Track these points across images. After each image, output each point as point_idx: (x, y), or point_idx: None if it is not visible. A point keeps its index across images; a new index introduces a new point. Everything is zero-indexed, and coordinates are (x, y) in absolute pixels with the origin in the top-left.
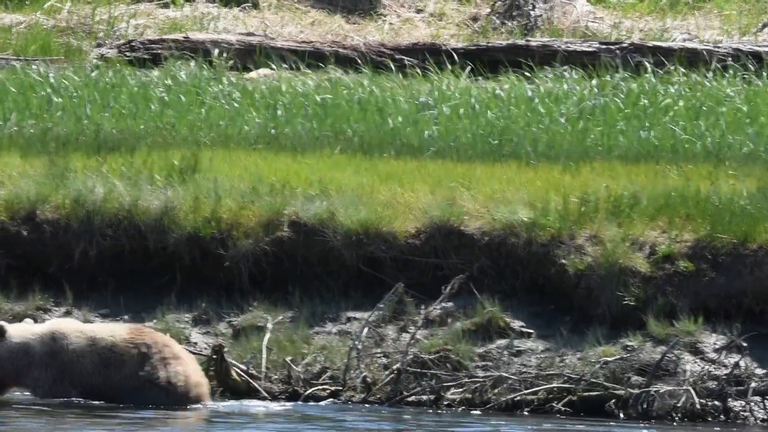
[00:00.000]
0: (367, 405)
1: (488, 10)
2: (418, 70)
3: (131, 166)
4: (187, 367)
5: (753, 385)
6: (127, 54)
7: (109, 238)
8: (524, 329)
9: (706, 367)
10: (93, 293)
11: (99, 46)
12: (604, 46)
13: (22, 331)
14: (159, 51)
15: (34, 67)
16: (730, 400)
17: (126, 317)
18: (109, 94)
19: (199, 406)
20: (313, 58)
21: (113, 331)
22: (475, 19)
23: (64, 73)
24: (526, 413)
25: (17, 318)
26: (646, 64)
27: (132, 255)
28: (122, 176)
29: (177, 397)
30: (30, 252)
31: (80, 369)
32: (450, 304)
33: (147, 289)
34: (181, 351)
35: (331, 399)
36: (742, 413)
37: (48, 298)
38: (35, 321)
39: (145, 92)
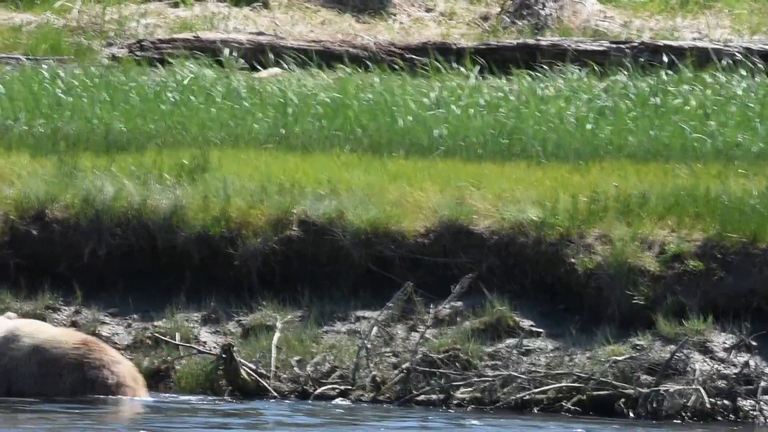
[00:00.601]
0: (376, 404)
1: (498, 9)
2: (428, 70)
3: (141, 166)
4: (134, 386)
5: (762, 384)
6: (138, 53)
7: (119, 238)
8: (533, 328)
9: (716, 366)
10: (102, 292)
11: (109, 45)
12: (614, 46)
13: None
14: (169, 50)
15: (44, 66)
16: (739, 399)
17: (135, 316)
18: (119, 93)
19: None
20: (323, 57)
21: (60, 342)
22: (485, 18)
23: (74, 72)
24: (535, 412)
25: (27, 317)
26: (656, 63)
27: (141, 254)
28: (132, 175)
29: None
30: (39, 251)
31: (17, 375)
32: (459, 303)
33: (156, 288)
34: (126, 368)
35: (341, 398)
36: (751, 412)
37: (57, 298)
38: (44, 320)
39: (154, 92)
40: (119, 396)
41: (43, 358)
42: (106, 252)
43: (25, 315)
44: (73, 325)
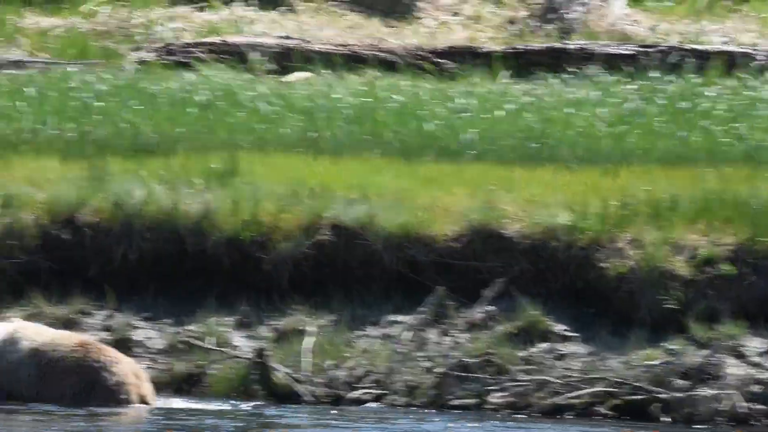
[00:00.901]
0: (409, 409)
1: (525, 12)
2: (456, 74)
3: (170, 170)
4: (137, 383)
5: None
6: (165, 57)
7: (149, 242)
8: (566, 333)
9: (750, 370)
10: (134, 296)
11: (137, 49)
12: (641, 49)
13: None
14: (196, 54)
15: (72, 70)
16: None
17: (167, 320)
18: (147, 97)
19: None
20: (350, 61)
21: (59, 345)
22: (512, 21)
23: (101, 76)
24: (569, 417)
25: (60, 321)
26: (684, 67)
27: (172, 258)
28: (161, 180)
29: (120, 402)
30: (70, 255)
31: (16, 378)
32: (492, 307)
33: (187, 292)
34: (127, 366)
35: (374, 402)
36: None
37: (89, 302)
38: (78, 325)
39: (182, 96)
40: (121, 395)
41: (42, 361)
42: (138, 256)
43: (58, 319)
44: (107, 329)
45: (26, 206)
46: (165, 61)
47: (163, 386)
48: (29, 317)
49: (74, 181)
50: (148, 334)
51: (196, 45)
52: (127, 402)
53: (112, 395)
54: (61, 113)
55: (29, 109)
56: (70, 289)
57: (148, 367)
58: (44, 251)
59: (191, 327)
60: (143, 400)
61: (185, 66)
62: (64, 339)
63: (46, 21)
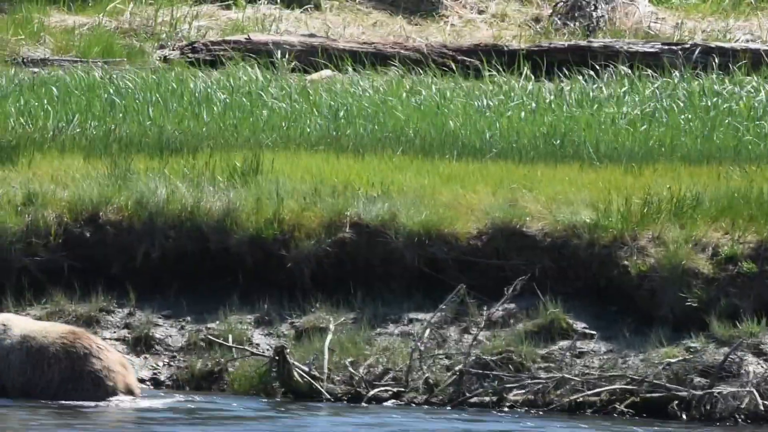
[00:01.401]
0: (429, 406)
1: (550, 11)
2: (480, 71)
3: (193, 168)
4: (123, 372)
5: None
6: (190, 55)
7: (172, 240)
8: (587, 330)
9: None
10: (156, 294)
11: (161, 47)
12: (666, 47)
13: None
14: (221, 52)
15: (96, 68)
16: None
17: (188, 318)
18: (171, 95)
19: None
20: (374, 59)
21: (48, 331)
22: (537, 20)
23: (126, 74)
24: (588, 414)
25: (81, 319)
26: (709, 64)
27: (194, 256)
28: (184, 178)
29: (107, 389)
30: (93, 253)
31: (7, 364)
32: (512, 305)
33: (209, 290)
34: (115, 355)
35: (394, 400)
36: None
37: (111, 300)
38: (98, 323)
39: (206, 94)
40: (108, 382)
41: (32, 347)
42: (160, 254)
43: (79, 317)
44: (127, 327)
45: (49, 204)
46: (190, 59)
47: (183, 384)
48: (50, 315)
49: (98, 180)
50: (169, 332)
51: (221, 43)
52: (113, 390)
53: (100, 382)
54: (86, 111)
55: (54, 107)
56: (91, 287)
57: (169, 365)
58: (66, 249)
59: (212, 325)
60: (129, 390)
61: (210, 64)
62: (55, 327)
63: (71, 19)
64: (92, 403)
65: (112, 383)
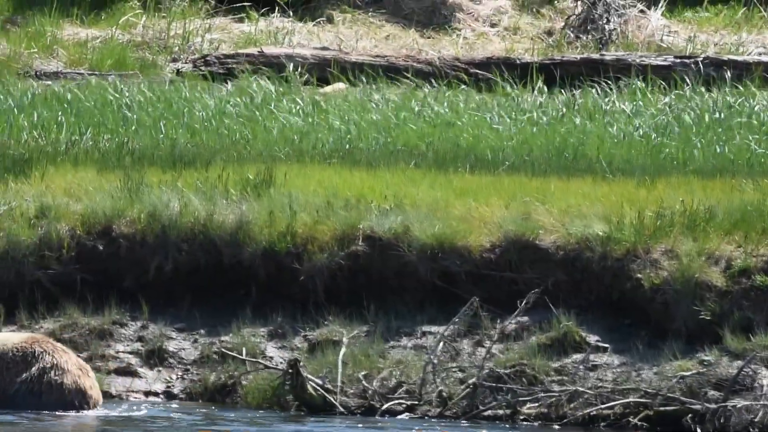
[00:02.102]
0: (443, 419)
1: (562, 24)
2: (493, 84)
3: (206, 181)
4: (78, 374)
5: None
6: (202, 68)
7: (185, 253)
8: (600, 343)
9: None
10: (169, 307)
11: (174, 60)
12: (678, 60)
13: None
14: (234, 65)
15: (109, 81)
16: None
17: (202, 331)
18: (184, 108)
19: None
20: (387, 72)
21: (8, 338)
22: (549, 33)
23: (139, 87)
24: (602, 428)
25: (94, 332)
26: (722, 77)
27: (207, 269)
28: (197, 191)
29: (66, 401)
30: (106, 266)
31: None
32: (525, 318)
33: (222, 303)
34: (73, 358)
35: (407, 413)
36: None
37: (124, 313)
38: (111, 336)
39: (219, 107)
40: (66, 383)
41: None
42: (173, 267)
43: (92, 330)
44: (140, 340)
45: (62, 217)
46: (202, 72)
47: (196, 396)
48: (63, 328)
49: (111, 193)
50: (181, 345)
51: (234, 56)
52: (76, 391)
53: (60, 383)
54: (99, 124)
55: (67, 120)
56: (104, 300)
57: (182, 378)
58: (79, 262)
59: (225, 338)
60: (86, 394)
61: (223, 77)
62: (14, 335)
63: (84, 32)
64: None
65: (71, 386)
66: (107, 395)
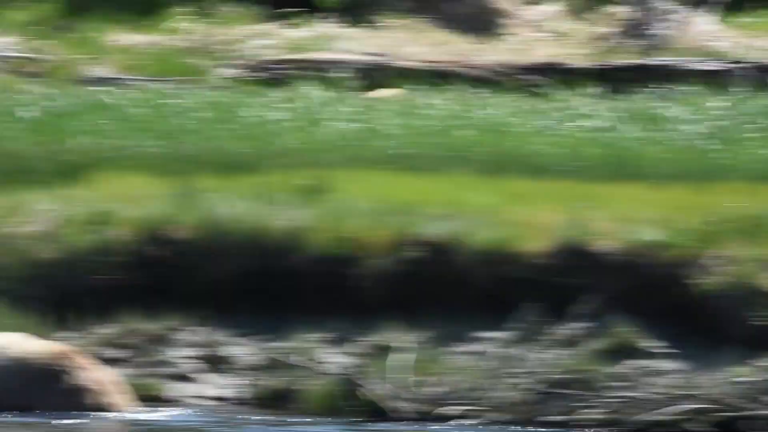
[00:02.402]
0: (499, 425)
1: (612, 29)
2: (542, 90)
3: (260, 187)
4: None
5: None
6: (251, 74)
7: (239, 258)
8: (656, 350)
9: None
10: (224, 313)
11: (222, 66)
12: (728, 65)
13: None
14: (282, 71)
15: (159, 87)
16: None
17: (257, 338)
18: (234, 114)
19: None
20: (436, 77)
21: (31, 348)
22: (598, 38)
23: (188, 92)
24: None
25: (150, 338)
26: None
27: (260, 275)
28: (251, 197)
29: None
30: (160, 272)
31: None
32: (580, 324)
33: (279, 309)
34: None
35: (462, 419)
36: None
37: (178, 318)
38: (168, 342)
39: (269, 112)
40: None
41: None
42: (227, 273)
43: (148, 336)
44: (196, 346)
45: (116, 223)
46: (251, 78)
47: (252, 402)
48: (119, 334)
49: (164, 198)
50: (238, 350)
51: (282, 62)
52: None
53: (86, 391)
54: (147, 130)
55: (116, 125)
56: (160, 306)
57: (238, 384)
58: (134, 268)
59: (281, 344)
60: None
61: (271, 83)
62: (43, 346)
63: (132, 38)
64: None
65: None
66: (160, 400)
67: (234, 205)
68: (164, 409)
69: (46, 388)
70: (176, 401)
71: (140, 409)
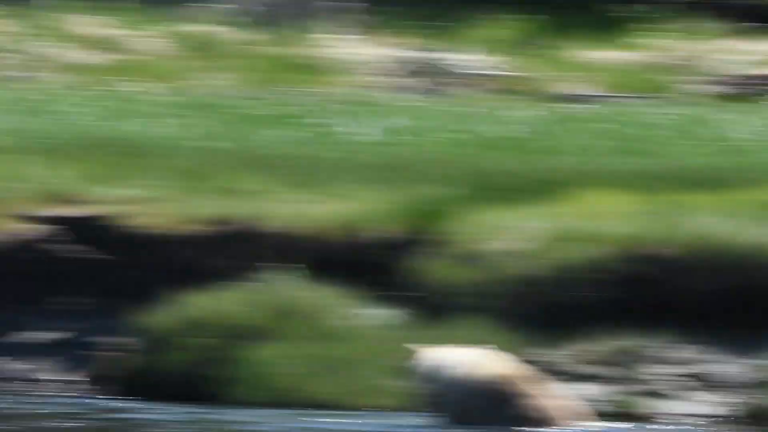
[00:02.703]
0: None
1: None
2: None
3: (747, 204)
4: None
5: None
6: (719, 90)
7: (723, 276)
8: None
9: None
10: (703, 330)
11: (691, 83)
12: None
13: None
14: (751, 86)
15: (628, 104)
16: None
17: (748, 355)
18: (709, 130)
19: None
20: None
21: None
22: None
23: (657, 109)
24: None
25: (627, 355)
26: None
27: (752, 292)
28: (743, 214)
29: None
30: (642, 289)
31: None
32: None
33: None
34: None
35: None
36: None
37: (655, 335)
38: (643, 357)
39: (746, 130)
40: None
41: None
42: (722, 291)
43: (626, 353)
44: (678, 363)
45: (599, 240)
46: (721, 94)
47: (742, 421)
48: (598, 351)
49: (640, 215)
50: (725, 368)
51: (752, 78)
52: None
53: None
54: (622, 146)
55: (591, 143)
56: (630, 323)
57: (726, 402)
58: (617, 285)
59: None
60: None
61: (738, 98)
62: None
63: (600, 54)
64: None
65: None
66: (634, 417)
67: (719, 222)
68: (631, 424)
69: (491, 409)
70: (648, 418)
71: (596, 424)
